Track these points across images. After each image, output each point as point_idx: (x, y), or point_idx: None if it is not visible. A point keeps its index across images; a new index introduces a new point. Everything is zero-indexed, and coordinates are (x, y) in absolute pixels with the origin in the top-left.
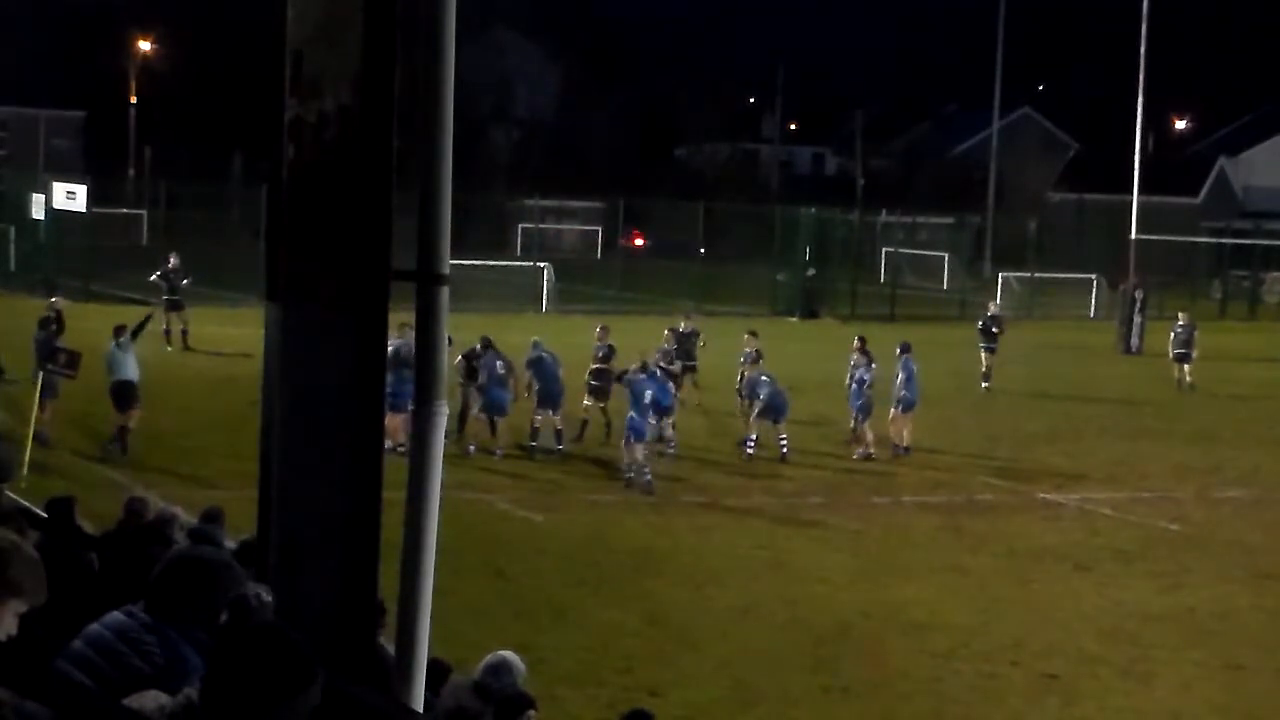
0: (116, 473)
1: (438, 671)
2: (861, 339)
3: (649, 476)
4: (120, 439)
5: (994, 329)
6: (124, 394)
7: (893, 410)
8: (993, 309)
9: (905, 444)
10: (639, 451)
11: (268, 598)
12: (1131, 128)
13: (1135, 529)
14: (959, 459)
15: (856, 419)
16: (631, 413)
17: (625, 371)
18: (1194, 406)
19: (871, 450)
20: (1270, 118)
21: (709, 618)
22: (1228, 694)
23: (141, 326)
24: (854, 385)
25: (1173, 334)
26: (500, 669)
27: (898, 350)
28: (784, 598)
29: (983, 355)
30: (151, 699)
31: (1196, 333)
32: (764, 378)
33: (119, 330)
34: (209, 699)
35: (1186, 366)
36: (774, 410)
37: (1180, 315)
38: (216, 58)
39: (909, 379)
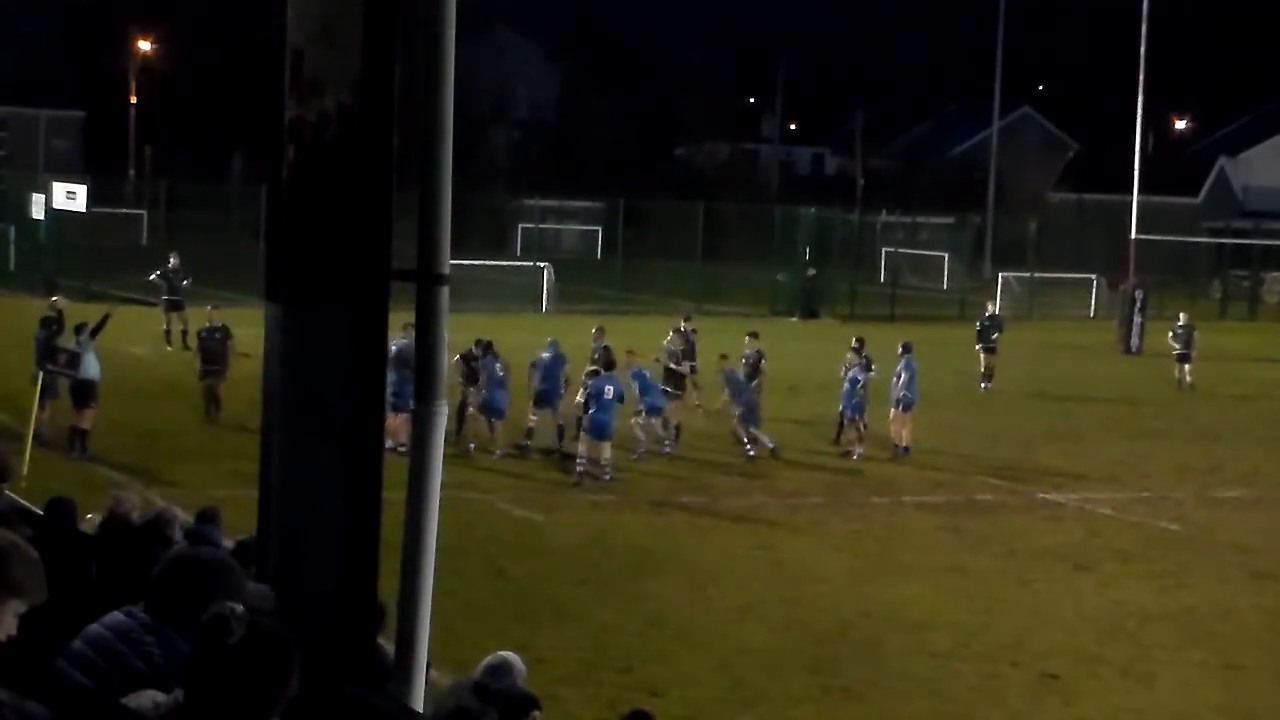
0: (116, 473)
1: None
2: (859, 340)
3: (609, 474)
4: (79, 441)
5: (992, 330)
6: (82, 393)
7: (893, 410)
8: (990, 309)
9: (905, 444)
10: (606, 450)
11: (240, 609)
12: (1131, 128)
13: (1135, 529)
14: (959, 459)
15: (854, 419)
16: (592, 411)
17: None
18: (1194, 406)
19: (859, 450)
20: (1270, 118)
21: (709, 618)
22: (1228, 694)
23: (101, 325)
24: (846, 385)
25: (1172, 334)
26: (500, 669)
27: (899, 350)
28: (784, 598)
29: (981, 356)
30: (148, 698)
31: (1196, 333)
32: (728, 374)
33: (79, 329)
34: (193, 705)
35: (1187, 366)
36: (745, 408)
37: (1180, 315)
38: (216, 58)
39: (910, 379)
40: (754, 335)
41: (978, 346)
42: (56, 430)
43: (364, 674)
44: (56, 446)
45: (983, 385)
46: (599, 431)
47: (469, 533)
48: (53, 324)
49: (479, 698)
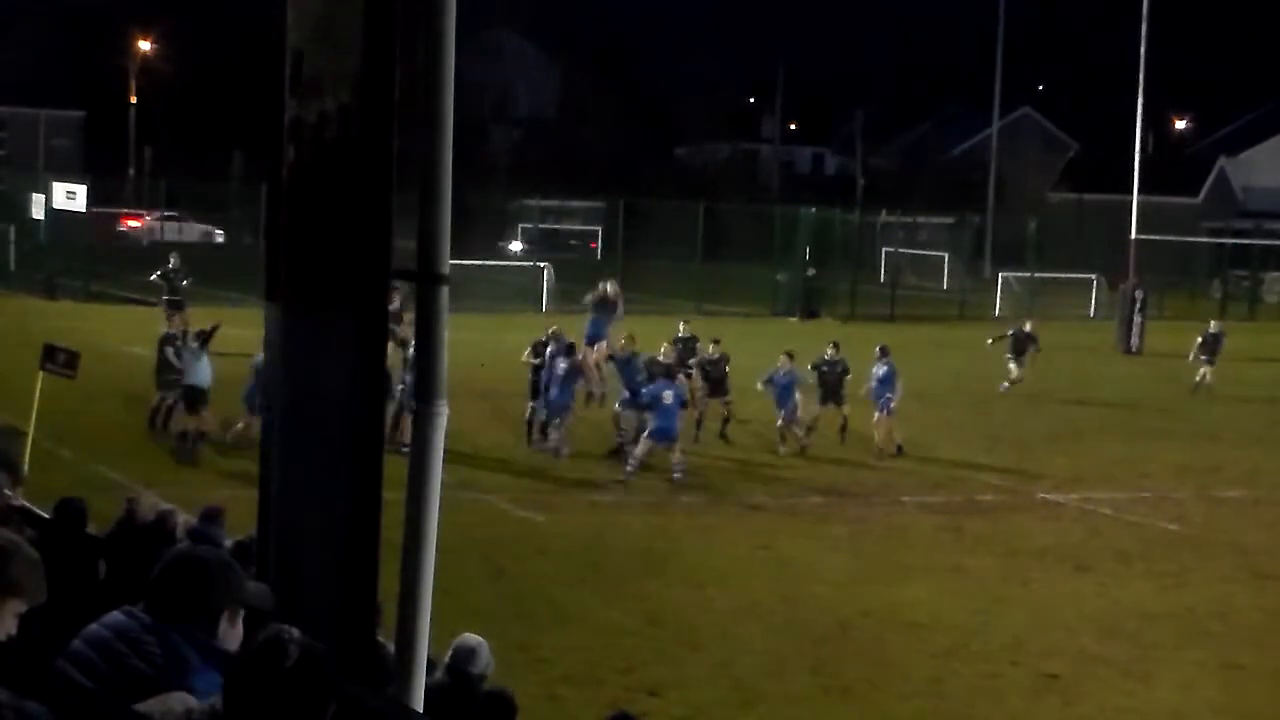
0: (116, 473)
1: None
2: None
3: (680, 474)
4: (190, 441)
5: (1026, 343)
6: (192, 398)
7: (876, 414)
8: (1029, 327)
9: (897, 443)
10: (676, 453)
11: (296, 632)
12: (1131, 128)
13: (1135, 529)
14: (959, 459)
15: (790, 421)
16: (653, 418)
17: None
18: (1194, 406)
19: (807, 442)
20: (1270, 118)
21: (709, 618)
22: (1228, 694)
23: (211, 334)
24: (780, 390)
25: (1201, 339)
26: (471, 654)
27: (877, 352)
28: (784, 598)
29: (1011, 367)
30: (178, 700)
31: (1225, 340)
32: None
33: (197, 335)
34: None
35: (1209, 369)
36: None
37: (1211, 323)
38: (216, 58)
39: (889, 380)
40: (716, 342)
41: (1008, 355)
42: (56, 427)
43: (364, 674)
44: (58, 445)
45: (1003, 385)
46: (663, 437)
47: (469, 533)
48: (175, 339)
49: (458, 682)
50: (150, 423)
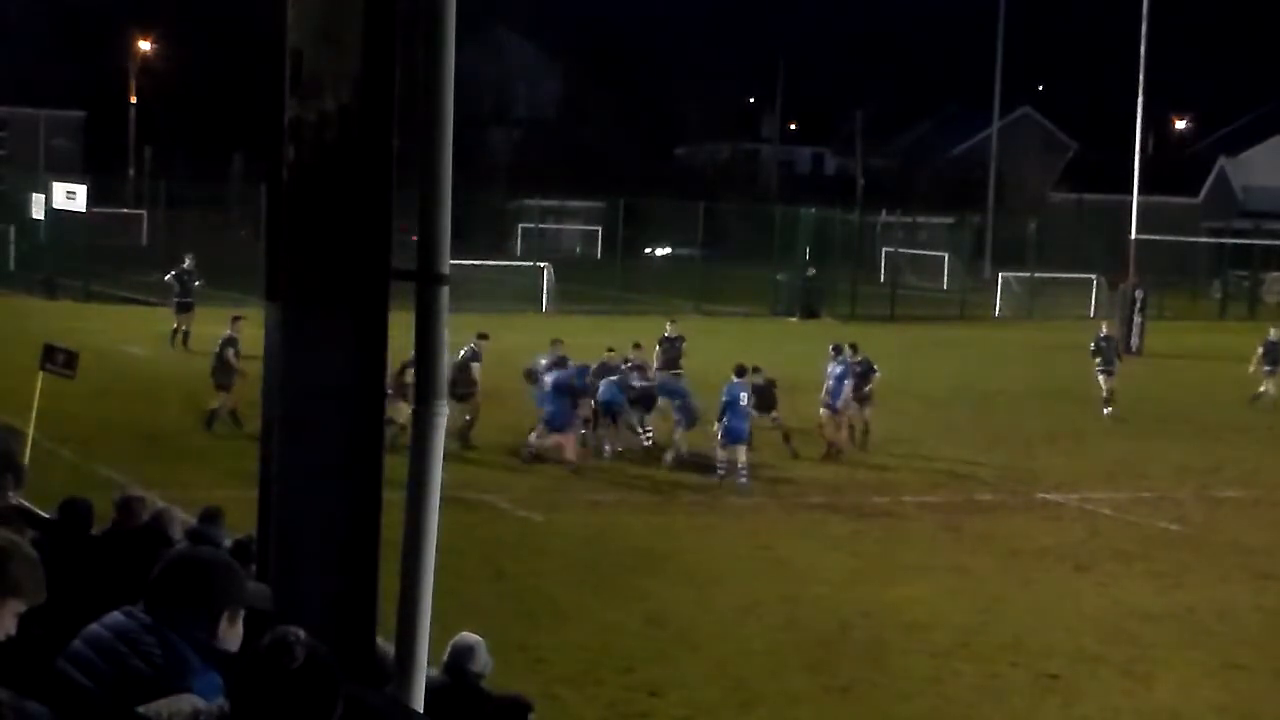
0: (116, 472)
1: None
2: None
3: (745, 478)
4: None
5: (1110, 353)
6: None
7: (822, 411)
8: (1105, 329)
9: (835, 441)
10: (741, 454)
11: (302, 634)
12: (1131, 128)
13: (1135, 529)
14: (959, 459)
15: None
16: (727, 417)
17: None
18: (1194, 406)
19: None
20: (1270, 118)
21: (709, 618)
22: (1228, 694)
23: None
24: (679, 402)
25: (1261, 348)
26: (469, 652)
27: (831, 351)
28: (784, 598)
29: (1100, 379)
30: (187, 701)
31: None
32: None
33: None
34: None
35: (1272, 381)
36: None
37: (1271, 330)
38: (216, 58)
39: (845, 378)
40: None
41: (1097, 370)
42: (57, 427)
43: (364, 674)
44: (62, 444)
45: (1105, 410)
46: (735, 437)
47: (469, 533)
48: (236, 342)
49: (457, 681)
50: (208, 424)
